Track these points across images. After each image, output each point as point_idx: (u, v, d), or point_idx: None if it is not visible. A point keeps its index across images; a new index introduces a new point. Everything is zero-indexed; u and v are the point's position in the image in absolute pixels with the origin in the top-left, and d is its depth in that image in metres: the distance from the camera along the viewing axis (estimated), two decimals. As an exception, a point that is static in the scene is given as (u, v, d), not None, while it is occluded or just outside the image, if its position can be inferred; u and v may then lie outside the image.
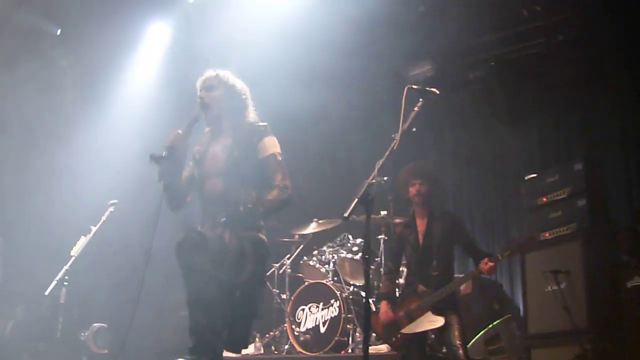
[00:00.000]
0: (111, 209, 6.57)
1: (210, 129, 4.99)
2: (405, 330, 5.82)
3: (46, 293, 6.19)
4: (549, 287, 6.21)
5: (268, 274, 8.46)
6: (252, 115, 4.94)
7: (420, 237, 5.97)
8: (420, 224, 6.04)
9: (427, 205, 6.04)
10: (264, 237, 4.73)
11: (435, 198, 6.11)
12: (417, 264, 5.96)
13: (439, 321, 5.64)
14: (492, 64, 8.85)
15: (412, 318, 5.81)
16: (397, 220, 7.08)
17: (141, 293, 4.34)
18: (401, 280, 6.83)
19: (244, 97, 4.93)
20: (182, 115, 4.87)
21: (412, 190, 6.00)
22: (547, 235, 6.56)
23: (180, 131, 4.66)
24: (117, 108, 9.27)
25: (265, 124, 4.85)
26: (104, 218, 6.52)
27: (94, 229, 6.45)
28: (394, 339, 5.95)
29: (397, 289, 6.40)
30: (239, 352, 4.81)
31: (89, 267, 7.11)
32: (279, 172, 4.69)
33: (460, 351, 5.51)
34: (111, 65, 9.26)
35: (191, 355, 4.27)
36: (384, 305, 6.01)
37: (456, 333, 5.59)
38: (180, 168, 4.75)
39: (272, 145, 4.78)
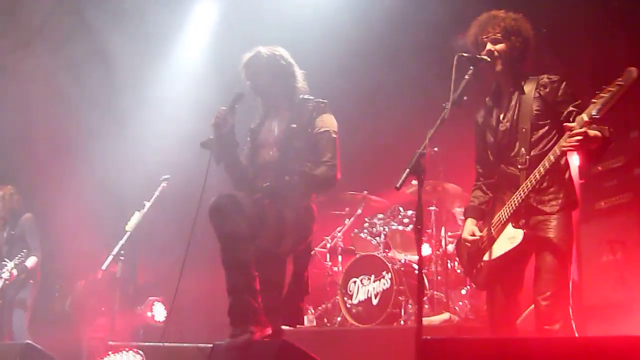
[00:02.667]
0: (164, 184, 6.58)
1: (264, 104, 5.00)
2: (485, 257, 4.49)
3: (103, 267, 6.22)
4: (605, 258, 6.08)
5: (319, 247, 8.49)
6: (302, 87, 4.93)
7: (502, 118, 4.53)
8: (505, 98, 4.53)
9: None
10: (311, 206, 4.71)
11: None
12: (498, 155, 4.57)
13: (518, 236, 4.23)
14: (544, 30, 8.60)
15: (493, 238, 4.43)
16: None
17: (186, 263, 4.38)
18: None
19: (291, 70, 4.92)
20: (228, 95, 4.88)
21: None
22: (603, 204, 6.41)
23: (223, 108, 4.69)
24: (169, 85, 9.35)
25: (325, 101, 4.86)
26: (157, 193, 6.53)
27: (147, 204, 6.48)
28: (474, 271, 4.58)
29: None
30: (294, 326, 4.80)
31: (143, 243, 7.18)
32: (330, 149, 4.68)
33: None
34: (161, 44, 9.30)
35: (234, 329, 4.20)
36: (468, 224, 4.63)
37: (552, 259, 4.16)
38: (233, 145, 4.78)
39: (329, 122, 4.78)
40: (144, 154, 8.70)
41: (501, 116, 4.45)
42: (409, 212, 8.11)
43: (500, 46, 4.33)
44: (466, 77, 4.01)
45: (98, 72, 8.87)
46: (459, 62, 4.00)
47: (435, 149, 7.44)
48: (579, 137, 3.84)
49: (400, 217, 8.10)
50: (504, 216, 4.30)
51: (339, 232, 8.61)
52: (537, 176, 4.10)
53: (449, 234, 7.63)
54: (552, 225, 4.17)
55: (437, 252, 7.51)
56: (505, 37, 4.33)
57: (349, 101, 8.70)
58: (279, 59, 4.89)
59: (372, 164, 9.30)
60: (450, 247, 7.54)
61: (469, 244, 4.52)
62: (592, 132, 3.88)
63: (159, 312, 8.51)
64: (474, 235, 4.49)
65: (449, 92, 3.85)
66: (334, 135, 4.74)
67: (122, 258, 6.26)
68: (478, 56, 4.23)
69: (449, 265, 7.53)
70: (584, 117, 3.84)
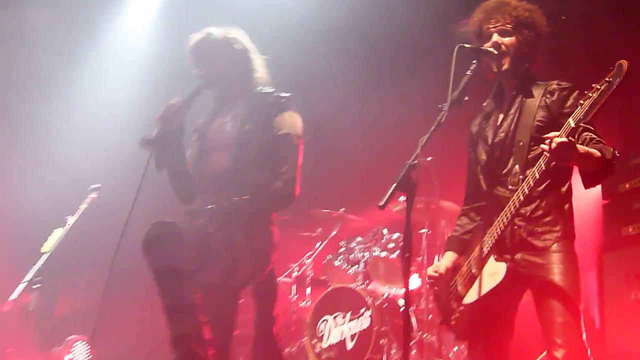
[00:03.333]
0: (93, 195, 6.58)
1: (215, 97, 5.08)
2: (465, 300, 4.44)
3: (12, 298, 6.18)
4: (633, 295, 6.19)
5: (284, 276, 8.55)
6: (262, 76, 5.02)
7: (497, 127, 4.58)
8: (506, 103, 4.58)
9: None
10: (269, 229, 4.81)
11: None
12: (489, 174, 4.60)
13: (500, 271, 4.21)
14: (563, 17, 8.79)
15: (473, 276, 4.43)
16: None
17: (123, 296, 4.40)
18: None
19: (248, 55, 5.01)
20: (180, 83, 4.93)
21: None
22: (630, 229, 6.54)
23: (174, 101, 4.74)
24: (102, 72, 9.35)
25: (287, 95, 4.93)
26: (84, 206, 6.53)
27: (71, 219, 6.46)
28: (453, 318, 4.51)
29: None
30: None
31: (66, 266, 7.16)
32: (289, 159, 4.76)
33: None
34: (92, 25, 9.33)
35: None
36: (446, 258, 4.68)
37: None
38: (180, 148, 4.84)
39: (291, 123, 4.85)
40: (67, 158, 8.67)
41: (499, 123, 4.48)
42: (395, 236, 8.21)
43: (509, 39, 4.37)
44: (468, 72, 4.11)
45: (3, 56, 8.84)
46: (459, 54, 4.06)
47: (429, 158, 7.57)
48: (553, 145, 3.79)
49: (384, 241, 8.20)
50: (485, 248, 4.31)
51: (308, 258, 8.69)
52: (521, 196, 4.13)
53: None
54: (551, 262, 4.17)
55: (429, 285, 7.56)
56: (516, 29, 4.38)
57: (324, 101, 8.82)
58: (234, 42, 4.97)
59: (351, 176, 9.38)
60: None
61: (431, 281, 4.60)
62: (582, 148, 3.92)
63: (81, 356, 8.47)
64: (437, 271, 4.54)
65: (445, 92, 3.91)
66: (296, 141, 4.81)
67: (37, 286, 6.20)
68: (483, 48, 4.32)
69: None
70: (570, 122, 3.83)
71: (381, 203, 3.64)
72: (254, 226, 4.72)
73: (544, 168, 4.00)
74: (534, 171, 4.05)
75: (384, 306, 7.60)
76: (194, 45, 4.96)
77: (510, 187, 4.27)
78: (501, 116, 4.49)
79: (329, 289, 8.00)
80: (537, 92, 4.37)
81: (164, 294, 4.34)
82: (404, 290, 3.73)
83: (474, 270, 4.38)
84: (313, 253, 8.77)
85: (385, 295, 7.83)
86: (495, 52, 4.32)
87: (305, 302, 8.45)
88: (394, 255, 8.02)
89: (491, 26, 4.42)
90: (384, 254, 8.09)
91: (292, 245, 8.07)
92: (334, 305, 7.77)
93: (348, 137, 9.50)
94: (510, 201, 4.18)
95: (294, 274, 8.68)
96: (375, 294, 7.79)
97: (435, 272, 4.54)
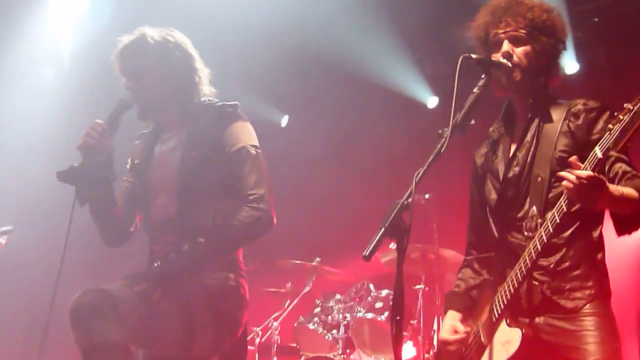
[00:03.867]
0: (2, 240, 6.55)
1: (150, 122, 4.95)
2: None
3: None
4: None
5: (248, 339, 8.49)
6: (206, 87, 4.88)
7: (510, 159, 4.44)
8: (519, 128, 4.47)
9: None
10: (238, 281, 4.67)
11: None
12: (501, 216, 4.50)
13: (514, 339, 4.13)
14: (596, 19, 8.86)
15: (482, 345, 4.36)
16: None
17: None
18: None
19: (190, 63, 4.85)
20: (109, 98, 4.81)
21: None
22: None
23: (98, 121, 4.58)
24: (11, 92, 9.23)
25: (235, 103, 4.79)
26: (-9, 253, 6.51)
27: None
28: None
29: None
30: None
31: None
32: (252, 173, 4.61)
33: None
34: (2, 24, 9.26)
35: None
36: (447, 319, 4.61)
37: None
38: (108, 180, 4.69)
39: (244, 133, 4.72)
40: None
41: (511, 154, 4.33)
42: (384, 292, 8.17)
43: (523, 49, 4.23)
44: (475, 90, 3.97)
45: None
46: (464, 66, 3.91)
47: (427, 196, 7.55)
48: (575, 179, 3.64)
49: (370, 299, 8.15)
50: (496, 310, 4.20)
51: (275, 320, 8.62)
52: (539, 245, 3.95)
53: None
54: (584, 327, 4.00)
55: (427, 355, 7.53)
56: (531, 35, 4.22)
57: (297, 132, 8.89)
58: (173, 47, 4.80)
59: (328, 219, 9.39)
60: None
61: (453, 349, 4.42)
62: (613, 187, 3.75)
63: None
64: (457, 332, 4.40)
65: (447, 115, 3.78)
66: (253, 152, 4.67)
67: None
68: (494, 59, 4.18)
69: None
70: (597, 152, 3.68)
71: (366, 253, 3.47)
72: (216, 281, 4.58)
73: (565, 210, 3.82)
74: (553, 214, 3.87)
75: (370, 381, 7.51)
76: (124, 49, 4.77)
77: (526, 233, 4.12)
78: (514, 145, 4.35)
79: (301, 359, 7.94)
80: (558, 114, 4.22)
81: None
82: (395, 360, 3.61)
83: (483, 339, 4.25)
84: (281, 314, 8.71)
85: (372, 367, 7.73)
86: (509, 64, 4.18)
87: (271, 375, 8.33)
88: (383, 317, 7.96)
89: (500, 31, 4.28)
90: (369, 315, 8.01)
91: (256, 303, 7.98)
92: (307, 380, 7.68)
93: (325, 170, 9.51)
94: (526, 251, 4.01)
95: (257, 340, 8.58)
96: (358, 365, 7.69)
97: (454, 333, 4.40)
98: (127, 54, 4.74)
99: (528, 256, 3.97)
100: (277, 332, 8.51)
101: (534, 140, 4.23)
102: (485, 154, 4.53)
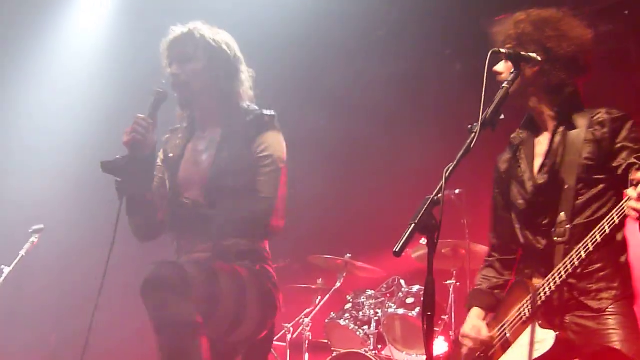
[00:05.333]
0: (34, 238, 6.58)
1: (186, 116, 5.00)
2: None
3: None
4: None
5: (276, 339, 8.49)
6: (247, 92, 4.96)
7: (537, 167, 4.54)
8: (544, 135, 4.56)
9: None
10: (271, 273, 4.78)
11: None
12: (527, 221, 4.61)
13: (547, 339, 4.22)
14: (626, 12, 8.80)
15: (508, 342, 4.47)
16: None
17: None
18: None
19: (236, 65, 4.94)
20: (144, 97, 4.84)
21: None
22: None
23: (142, 116, 4.63)
24: (45, 85, 9.31)
25: (272, 113, 4.88)
26: (22, 253, 6.53)
27: (6, 270, 6.47)
28: None
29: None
30: None
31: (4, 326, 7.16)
32: (270, 181, 4.72)
33: None
34: (33, 23, 9.30)
35: None
36: (472, 316, 4.73)
37: None
38: (150, 176, 4.78)
39: (274, 144, 4.81)
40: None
41: (536, 163, 4.45)
42: (415, 288, 8.18)
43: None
44: (504, 85, 3.97)
45: None
46: (494, 60, 4.01)
47: (457, 191, 7.58)
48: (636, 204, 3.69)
49: (401, 295, 8.16)
50: (525, 311, 4.29)
51: (306, 316, 8.64)
52: (583, 254, 4.01)
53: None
54: (609, 326, 4.11)
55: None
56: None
57: (330, 127, 8.89)
58: (222, 45, 4.91)
59: (359, 215, 9.38)
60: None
61: (470, 345, 4.53)
62: None
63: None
64: (479, 333, 4.50)
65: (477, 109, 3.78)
66: (280, 165, 4.78)
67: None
68: (523, 53, 4.16)
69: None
70: None
71: (397, 248, 3.48)
72: (258, 267, 4.74)
73: (607, 232, 3.90)
74: (594, 234, 3.94)
75: (402, 376, 7.50)
76: (174, 38, 4.90)
77: (556, 238, 4.25)
78: (539, 153, 4.47)
79: (333, 354, 7.95)
80: (582, 121, 4.32)
81: (169, 350, 4.34)
82: (426, 357, 3.63)
83: (508, 335, 4.37)
84: (312, 310, 8.73)
85: (403, 362, 7.70)
86: (539, 58, 4.20)
87: (303, 371, 8.34)
88: (414, 313, 7.95)
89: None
90: (401, 311, 8.01)
91: (287, 300, 8.00)
92: (339, 376, 7.67)
93: (356, 167, 9.51)
94: (562, 264, 4.11)
95: (288, 337, 8.61)
96: (390, 361, 7.66)
97: (477, 333, 4.50)
98: (177, 42, 4.88)
99: (564, 269, 4.08)
100: (308, 328, 8.53)
101: (560, 149, 4.33)
102: (509, 160, 4.64)
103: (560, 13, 4.39)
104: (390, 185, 9.69)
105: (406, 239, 3.49)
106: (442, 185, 3.62)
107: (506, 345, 4.35)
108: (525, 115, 4.58)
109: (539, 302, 4.19)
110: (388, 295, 8.25)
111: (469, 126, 3.79)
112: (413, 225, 3.50)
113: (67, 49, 9.42)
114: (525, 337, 4.26)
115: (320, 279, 8.83)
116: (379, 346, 8.07)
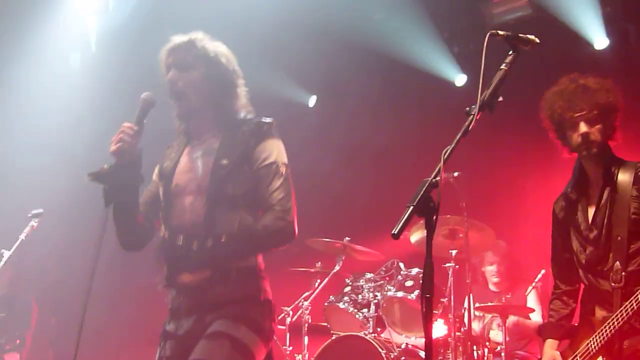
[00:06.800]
0: (34, 222, 6.60)
1: (183, 126, 5.02)
2: None
3: None
4: None
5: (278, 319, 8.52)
6: (243, 101, 4.97)
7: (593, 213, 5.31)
8: (594, 190, 5.31)
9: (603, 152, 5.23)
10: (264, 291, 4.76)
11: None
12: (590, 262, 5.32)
13: None
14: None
15: None
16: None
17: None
18: None
19: (233, 75, 4.95)
20: (134, 95, 4.85)
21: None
22: None
23: (128, 125, 4.64)
24: (38, 90, 9.30)
25: (270, 120, 4.87)
26: (22, 237, 6.55)
27: (6, 253, 6.48)
28: None
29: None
30: None
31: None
32: (281, 189, 4.69)
33: None
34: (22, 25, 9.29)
35: None
36: (547, 347, 5.43)
37: None
38: (137, 183, 4.76)
39: (275, 150, 4.80)
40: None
41: (590, 216, 5.17)
42: (414, 271, 8.20)
43: (597, 127, 5.06)
44: (502, 67, 3.93)
45: None
46: (492, 43, 3.89)
47: (456, 174, 7.56)
48: None
49: (400, 278, 8.18)
50: (593, 346, 4.97)
51: (305, 300, 8.66)
52: (634, 305, 4.70)
53: (477, 305, 7.70)
54: None
55: (458, 333, 7.57)
56: (602, 115, 5.05)
57: (326, 114, 8.90)
58: (221, 57, 4.91)
59: (357, 198, 9.39)
60: (478, 326, 7.61)
61: None
62: None
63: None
64: None
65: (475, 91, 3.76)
66: (283, 170, 4.76)
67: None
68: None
69: (475, 355, 7.59)
70: None
71: (395, 231, 3.47)
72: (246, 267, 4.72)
73: None
74: None
75: None
76: (174, 45, 4.88)
77: (613, 284, 4.97)
78: (592, 209, 5.21)
79: (332, 337, 7.97)
80: (626, 176, 5.08)
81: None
82: (425, 339, 3.66)
83: None
84: (311, 293, 8.74)
85: (403, 345, 7.80)
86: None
87: (302, 354, 8.40)
88: (413, 296, 7.98)
89: (577, 115, 5.08)
90: (400, 294, 8.04)
91: (286, 283, 8.03)
92: (338, 359, 7.70)
93: (355, 150, 9.53)
94: (622, 307, 4.80)
95: (287, 320, 8.64)
96: (389, 344, 7.75)
97: None
98: (177, 50, 4.86)
99: (625, 312, 4.79)
100: (307, 311, 8.55)
101: (608, 204, 5.09)
102: (565, 208, 5.40)
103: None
104: (389, 168, 9.71)
105: (404, 221, 3.48)
106: (440, 168, 3.60)
107: None
108: (575, 167, 5.33)
109: (605, 339, 4.88)
110: (387, 278, 8.26)
111: (467, 108, 3.77)
112: (411, 207, 3.49)
113: (55, 53, 9.44)
114: None
115: (319, 263, 8.84)
116: (378, 329, 8.08)
